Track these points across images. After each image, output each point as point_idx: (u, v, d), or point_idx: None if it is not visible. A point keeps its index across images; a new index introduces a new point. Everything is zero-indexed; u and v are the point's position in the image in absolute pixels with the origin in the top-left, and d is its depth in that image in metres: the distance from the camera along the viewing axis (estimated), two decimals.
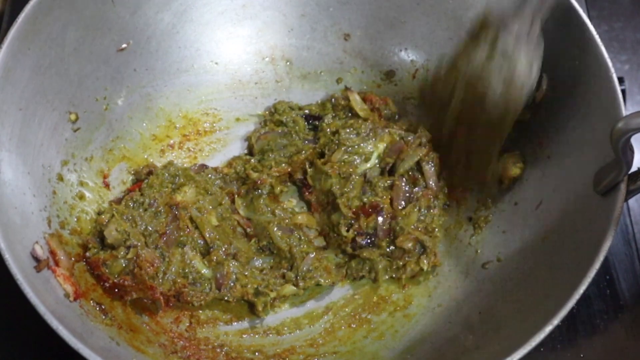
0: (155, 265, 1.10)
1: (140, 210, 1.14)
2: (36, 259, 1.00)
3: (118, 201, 1.18)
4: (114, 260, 1.09)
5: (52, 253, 1.04)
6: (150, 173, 1.21)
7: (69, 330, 0.89)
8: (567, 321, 1.17)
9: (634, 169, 0.96)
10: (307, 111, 1.30)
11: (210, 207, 1.19)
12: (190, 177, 1.21)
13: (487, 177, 1.19)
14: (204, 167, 1.26)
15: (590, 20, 1.09)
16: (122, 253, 1.09)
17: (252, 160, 1.26)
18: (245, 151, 1.31)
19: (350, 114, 1.28)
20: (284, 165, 1.24)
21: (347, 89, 1.30)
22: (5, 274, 0.92)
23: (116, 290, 1.09)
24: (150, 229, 1.13)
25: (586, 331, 1.19)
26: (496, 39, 1.09)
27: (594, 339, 1.18)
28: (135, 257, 1.09)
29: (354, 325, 1.15)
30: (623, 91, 1.15)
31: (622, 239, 1.26)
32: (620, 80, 1.12)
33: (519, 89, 1.09)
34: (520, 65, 1.08)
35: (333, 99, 1.30)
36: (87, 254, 1.10)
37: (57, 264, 1.03)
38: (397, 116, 1.30)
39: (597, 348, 1.18)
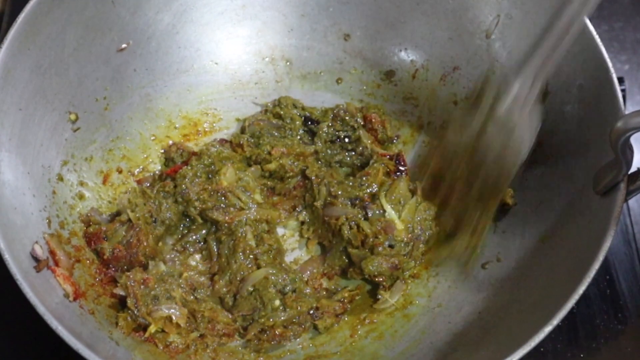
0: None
1: (169, 199, 1.18)
2: (36, 259, 1.00)
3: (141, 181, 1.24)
4: (114, 231, 1.13)
5: (52, 253, 1.04)
6: (183, 155, 1.25)
7: (68, 330, 0.89)
8: (567, 321, 1.17)
9: (633, 168, 0.96)
10: (308, 114, 1.30)
11: (253, 181, 1.22)
12: (225, 158, 1.23)
13: (468, 246, 1.16)
14: (224, 141, 1.29)
15: (590, 20, 1.08)
16: (123, 218, 1.14)
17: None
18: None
19: (342, 124, 1.28)
20: (282, 149, 1.26)
21: (360, 125, 1.29)
22: (5, 274, 0.92)
23: (110, 266, 1.12)
24: (169, 215, 1.17)
25: (586, 331, 1.19)
26: (495, 102, 1.05)
27: (594, 339, 1.18)
28: (135, 228, 1.13)
29: (354, 325, 1.15)
30: (623, 91, 1.15)
31: (622, 239, 1.26)
32: (620, 80, 1.12)
33: (515, 154, 1.06)
34: (517, 130, 1.03)
35: (336, 109, 1.29)
36: (89, 229, 1.13)
37: (56, 264, 1.03)
38: (395, 139, 1.30)
39: (598, 348, 1.17)
